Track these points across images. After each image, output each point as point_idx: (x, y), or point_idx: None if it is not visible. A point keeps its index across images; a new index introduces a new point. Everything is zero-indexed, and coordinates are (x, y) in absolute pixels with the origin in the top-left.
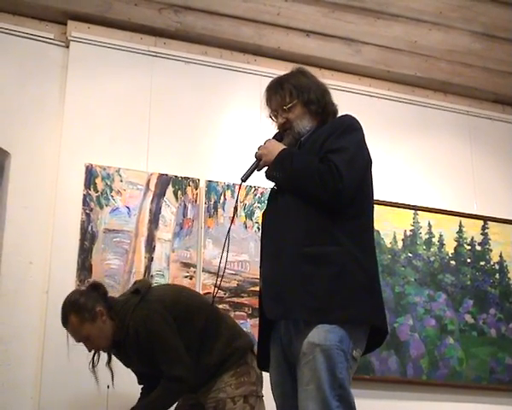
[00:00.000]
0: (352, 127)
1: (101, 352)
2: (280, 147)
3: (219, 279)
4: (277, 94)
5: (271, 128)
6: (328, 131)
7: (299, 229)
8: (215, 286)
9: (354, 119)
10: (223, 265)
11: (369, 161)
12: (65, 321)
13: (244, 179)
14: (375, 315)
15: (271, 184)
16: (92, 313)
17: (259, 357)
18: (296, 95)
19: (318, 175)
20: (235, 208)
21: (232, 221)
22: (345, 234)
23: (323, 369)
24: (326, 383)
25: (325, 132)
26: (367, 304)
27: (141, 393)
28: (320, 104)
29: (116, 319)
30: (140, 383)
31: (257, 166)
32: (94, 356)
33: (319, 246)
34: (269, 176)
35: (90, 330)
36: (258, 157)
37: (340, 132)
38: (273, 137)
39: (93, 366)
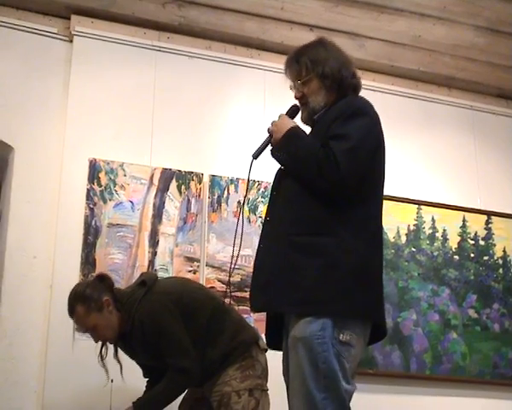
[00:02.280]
0: (359, 111)
1: (109, 345)
2: (289, 124)
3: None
4: (293, 67)
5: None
6: (336, 112)
7: (292, 216)
8: (226, 291)
9: (364, 102)
10: (233, 263)
11: (378, 148)
12: (71, 311)
13: (255, 156)
14: (365, 309)
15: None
16: (99, 303)
17: (266, 336)
18: (311, 68)
19: (317, 162)
20: (247, 187)
21: (245, 197)
22: (342, 224)
23: (305, 362)
24: (309, 377)
25: (334, 113)
26: (356, 298)
27: (146, 386)
28: (335, 79)
29: (122, 310)
30: (145, 376)
31: (269, 143)
32: (102, 348)
33: (310, 236)
34: (273, 155)
35: (97, 320)
36: (270, 133)
37: (347, 117)
38: (291, 108)
39: (102, 359)
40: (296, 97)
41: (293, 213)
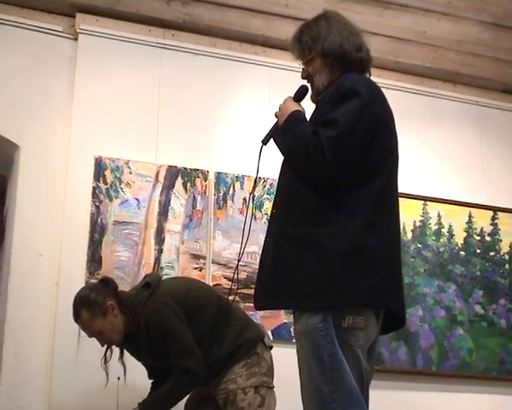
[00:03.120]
0: (349, 92)
1: (114, 347)
2: (292, 108)
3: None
4: (296, 47)
5: None
6: (330, 94)
7: (289, 208)
8: (232, 288)
9: (357, 81)
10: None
11: (375, 128)
12: (76, 317)
13: (265, 142)
14: (362, 296)
15: None
16: (103, 308)
17: None
18: (312, 47)
19: (306, 151)
20: (255, 180)
21: (253, 189)
22: (339, 210)
23: (310, 356)
24: (315, 370)
25: (328, 95)
26: (350, 285)
27: (151, 387)
28: (337, 55)
29: (127, 313)
30: (150, 377)
31: (276, 126)
32: (106, 352)
33: (304, 227)
34: (274, 140)
35: (102, 325)
36: (276, 114)
37: (336, 100)
38: (298, 89)
39: (105, 362)
40: (302, 78)
41: (289, 205)
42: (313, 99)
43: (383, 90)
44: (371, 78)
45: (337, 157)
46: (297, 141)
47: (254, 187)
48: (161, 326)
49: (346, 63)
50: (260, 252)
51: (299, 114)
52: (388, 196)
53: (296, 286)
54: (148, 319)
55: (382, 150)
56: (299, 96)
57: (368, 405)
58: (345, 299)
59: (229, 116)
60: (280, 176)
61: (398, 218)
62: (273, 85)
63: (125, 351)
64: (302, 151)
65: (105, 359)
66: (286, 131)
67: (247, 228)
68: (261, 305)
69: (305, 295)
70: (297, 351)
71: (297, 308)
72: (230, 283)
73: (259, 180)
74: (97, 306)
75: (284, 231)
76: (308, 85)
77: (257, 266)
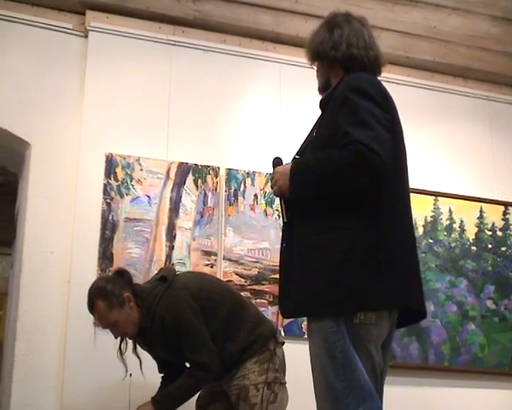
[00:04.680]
0: (360, 91)
1: (127, 339)
2: (287, 167)
3: None
4: (306, 54)
5: (291, 116)
6: (339, 95)
7: (308, 216)
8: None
9: (363, 79)
10: None
11: (391, 127)
12: (92, 307)
13: (286, 220)
14: (376, 301)
15: None
16: (120, 299)
17: None
18: (313, 53)
19: (349, 165)
20: None
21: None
22: (357, 214)
23: (323, 353)
24: (328, 367)
25: (337, 96)
26: (379, 288)
27: (161, 382)
28: (328, 57)
29: (142, 306)
30: (161, 371)
31: (284, 200)
32: (121, 344)
33: (324, 233)
34: (297, 200)
35: (118, 316)
36: (277, 191)
37: (348, 99)
38: (273, 161)
39: (121, 354)
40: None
41: (309, 213)
42: (321, 106)
43: (393, 85)
44: (382, 76)
45: (386, 153)
46: (325, 169)
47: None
48: (177, 320)
49: (342, 66)
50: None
51: (296, 162)
52: (402, 197)
53: (320, 294)
54: (163, 312)
55: (395, 151)
56: (277, 165)
57: (382, 400)
58: (368, 302)
59: (240, 113)
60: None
61: (411, 216)
62: (283, 82)
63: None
64: (344, 170)
65: (120, 351)
66: (302, 179)
67: None
68: (290, 315)
69: (329, 303)
70: (309, 348)
71: (323, 316)
72: (242, 279)
73: (270, 177)
74: (114, 297)
75: (306, 239)
76: (280, 157)
77: (268, 263)
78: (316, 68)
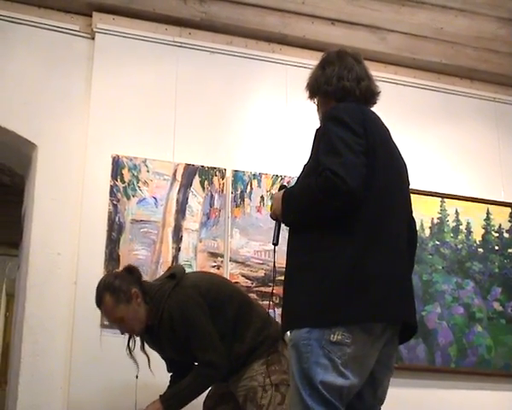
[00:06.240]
0: (334, 120)
1: (135, 337)
2: (281, 193)
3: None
4: (307, 95)
5: (297, 117)
6: (318, 131)
7: (297, 239)
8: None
9: (338, 108)
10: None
11: (367, 150)
12: (99, 301)
13: (276, 242)
14: (363, 314)
15: (297, 172)
16: (127, 295)
17: None
18: (312, 91)
19: (319, 192)
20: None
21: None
22: (341, 234)
23: (294, 363)
24: (297, 375)
25: (317, 134)
26: (355, 304)
27: (170, 381)
28: (321, 91)
29: (150, 303)
30: (169, 370)
31: (279, 223)
32: (129, 341)
33: (311, 253)
34: (286, 223)
35: (125, 312)
36: (272, 215)
37: (323, 129)
38: (279, 188)
39: (130, 352)
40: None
41: (298, 236)
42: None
43: (400, 87)
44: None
45: (354, 178)
46: (304, 196)
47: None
48: (185, 318)
49: (333, 97)
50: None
51: (284, 191)
52: (387, 216)
53: (299, 307)
54: (172, 310)
55: (373, 173)
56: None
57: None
58: (341, 317)
59: (246, 114)
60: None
61: (403, 233)
62: (290, 83)
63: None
64: (317, 196)
65: (129, 349)
66: (290, 205)
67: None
68: (281, 334)
69: (305, 316)
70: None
71: (288, 329)
72: (248, 281)
73: (276, 178)
74: (122, 292)
75: (293, 261)
76: (285, 184)
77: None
78: (316, 104)
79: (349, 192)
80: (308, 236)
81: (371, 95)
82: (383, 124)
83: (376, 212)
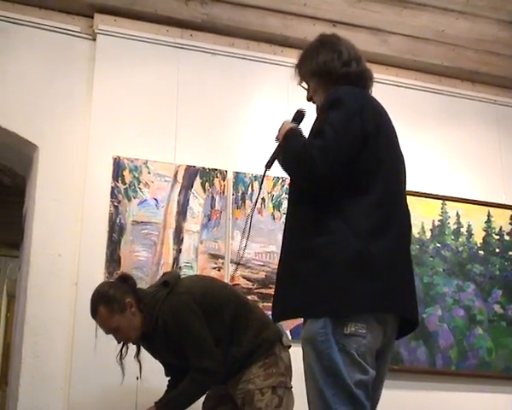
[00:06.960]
0: (334, 102)
1: (130, 344)
2: (289, 127)
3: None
4: (296, 75)
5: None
6: (319, 110)
7: (295, 225)
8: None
9: (340, 91)
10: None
11: (365, 136)
12: (94, 313)
13: (269, 166)
14: (364, 302)
15: None
16: (121, 305)
17: None
18: (305, 72)
19: (297, 161)
20: (259, 194)
21: (254, 206)
22: (341, 220)
23: (314, 361)
24: (318, 374)
25: (317, 111)
26: (351, 293)
27: (168, 385)
28: (322, 73)
29: (145, 310)
30: (167, 374)
31: (278, 150)
32: (122, 348)
33: (309, 240)
34: (278, 161)
35: (120, 322)
36: (276, 139)
37: (323, 111)
38: (295, 114)
39: (121, 358)
40: (307, 100)
41: (295, 222)
42: (317, 111)
43: (401, 89)
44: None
45: (326, 165)
46: (291, 154)
47: (254, 208)
48: (179, 325)
49: (332, 80)
50: (279, 252)
51: (295, 129)
52: (391, 204)
53: (302, 296)
54: (166, 317)
55: (375, 159)
56: (295, 120)
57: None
58: (345, 307)
59: (248, 116)
60: (288, 200)
61: (405, 224)
62: (291, 85)
63: (141, 348)
64: (294, 163)
65: (120, 355)
66: (285, 148)
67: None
68: (276, 319)
69: (309, 305)
70: (303, 358)
71: (302, 317)
72: (250, 282)
73: (277, 180)
74: (116, 302)
75: (292, 246)
76: (304, 109)
77: (275, 266)
78: (306, 85)
79: (317, 177)
80: (305, 221)
81: (369, 77)
82: (386, 113)
83: (381, 199)
